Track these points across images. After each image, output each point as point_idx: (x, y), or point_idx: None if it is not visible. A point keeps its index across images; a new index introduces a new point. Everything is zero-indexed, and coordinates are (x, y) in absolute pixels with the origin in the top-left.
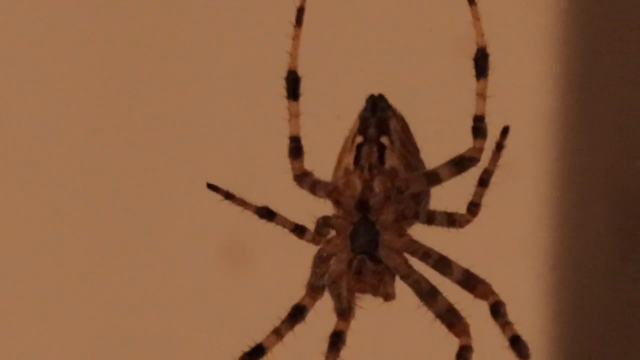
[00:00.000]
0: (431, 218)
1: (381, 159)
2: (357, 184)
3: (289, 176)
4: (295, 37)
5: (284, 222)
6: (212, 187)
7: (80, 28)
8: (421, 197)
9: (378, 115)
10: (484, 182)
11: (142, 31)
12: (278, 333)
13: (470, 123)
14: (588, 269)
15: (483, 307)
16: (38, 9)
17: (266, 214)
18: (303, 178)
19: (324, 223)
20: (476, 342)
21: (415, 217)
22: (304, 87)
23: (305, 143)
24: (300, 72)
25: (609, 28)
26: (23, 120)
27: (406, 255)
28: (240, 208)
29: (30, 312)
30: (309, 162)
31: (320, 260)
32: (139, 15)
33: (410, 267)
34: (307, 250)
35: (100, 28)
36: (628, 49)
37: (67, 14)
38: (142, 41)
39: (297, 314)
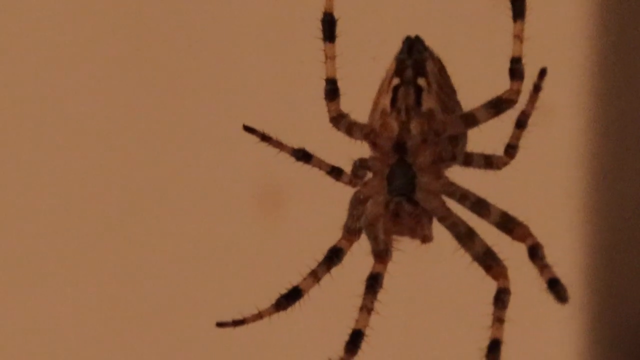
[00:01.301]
0: (468, 160)
1: (418, 101)
2: (394, 126)
3: (326, 118)
4: None
5: (321, 164)
6: (248, 128)
7: (81, 23)
8: (458, 139)
9: (415, 57)
10: (521, 124)
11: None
12: (315, 276)
13: (507, 65)
14: (625, 211)
15: (521, 250)
16: (41, 10)
17: (303, 156)
18: (339, 120)
19: (360, 165)
20: (514, 286)
21: (452, 159)
22: (340, 29)
23: (341, 85)
24: (336, 14)
25: None
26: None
27: (443, 197)
28: (276, 150)
29: (61, 251)
30: (346, 105)
31: (357, 203)
32: None
33: (447, 209)
34: (344, 193)
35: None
36: None
37: (69, 14)
38: None
39: (333, 256)
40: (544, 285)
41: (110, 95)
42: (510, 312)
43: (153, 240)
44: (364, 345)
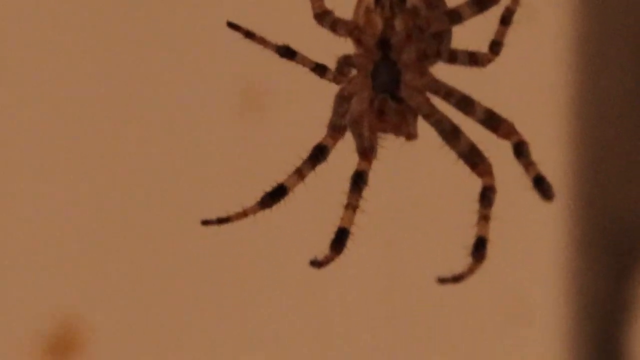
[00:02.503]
0: (453, 57)
1: None
2: (378, 22)
3: (310, 14)
4: None
5: (305, 61)
6: (232, 25)
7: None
8: (443, 35)
9: None
10: (505, 20)
11: None
12: (300, 173)
13: None
14: (610, 105)
15: (507, 146)
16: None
17: (286, 52)
18: (323, 16)
19: (345, 62)
20: (499, 183)
21: (437, 56)
22: None
23: None
24: None
25: None
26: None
27: (428, 94)
28: (260, 47)
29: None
30: (330, 1)
31: (341, 100)
32: None
33: (432, 105)
34: (329, 91)
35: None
36: None
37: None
38: None
39: (318, 154)
40: (530, 183)
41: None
42: (496, 210)
43: (137, 139)
44: (349, 243)
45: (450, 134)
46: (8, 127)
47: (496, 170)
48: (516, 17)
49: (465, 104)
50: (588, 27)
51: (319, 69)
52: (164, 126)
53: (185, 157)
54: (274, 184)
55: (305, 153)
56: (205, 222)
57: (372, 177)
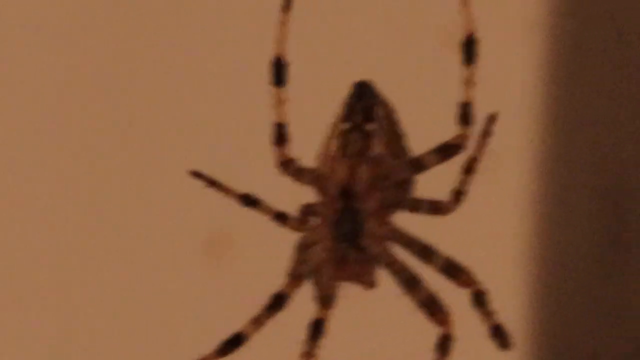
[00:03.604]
0: (415, 206)
1: (366, 146)
2: (342, 171)
3: (273, 163)
4: (283, 23)
5: (267, 210)
6: (195, 174)
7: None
8: (406, 184)
9: (364, 102)
10: (469, 169)
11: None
12: (258, 321)
13: (456, 110)
14: (571, 259)
15: (465, 296)
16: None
17: (249, 201)
18: (287, 165)
19: (307, 210)
20: (458, 331)
21: (399, 205)
22: (290, 74)
23: (290, 130)
24: (287, 59)
25: (602, 16)
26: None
27: (389, 243)
28: (223, 195)
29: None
30: (294, 149)
31: (302, 248)
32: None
33: (392, 255)
34: (289, 238)
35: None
36: (619, 40)
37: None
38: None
39: (277, 302)
40: (488, 332)
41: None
42: (453, 358)
43: (98, 285)
44: None
45: (410, 283)
46: None
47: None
48: (480, 166)
49: (425, 253)
50: (550, 176)
51: (280, 218)
52: (125, 276)
53: (147, 303)
54: (232, 332)
55: (264, 301)
56: None
57: (331, 325)
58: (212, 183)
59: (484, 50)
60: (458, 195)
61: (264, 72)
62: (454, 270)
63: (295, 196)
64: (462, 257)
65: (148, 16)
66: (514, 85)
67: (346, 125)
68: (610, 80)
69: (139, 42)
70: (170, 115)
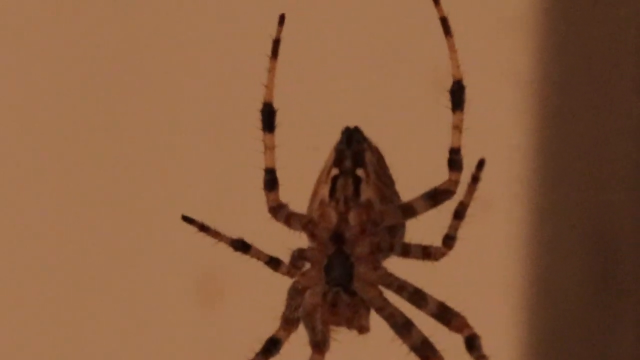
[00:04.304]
0: (406, 251)
1: (356, 192)
2: (332, 216)
3: (264, 208)
4: (271, 69)
5: (259, 255)
6: (187, 219)
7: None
8: (396, 229)
9: (353, 148)
10: (459, 214)
11: (104, 62)
12: None
13: (446, 155)
14: (562, 301)
15: (459, 340)
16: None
17: (241, 246)
18: (278, 210)
19: (299, 255)
20: None
21: (390, 250)
22: (279, 119)
23: (280, 175)
24: (275, 105)
25: (586, 64)
26: None
27: (381, 288)
28: (214, 240)
29: None
30: (284, 194)
31: (295, 293)
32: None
33: (384, 299)
34: (282, 283)
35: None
36: (603, 84)
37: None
38: (104, 75)
39: (271, 347)
40: None
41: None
42: None
43: (89, 331)
44: None
45: (403, 328)
46: None
47: None
48: (470, 211)
49: (417, 297)
50: (542, 220)
51: (273, 263)
52: (117, 317)
53: (139, 348)
54: None
55: (258, 345)
56: None
57: None
58: (204, 228)
59: (475, 95)
60: (449, 240)
61: (254, 118)
62: (446, 315)
63: (287, 241)
64: (454, 301)
65: (132, 55)
66: (505, 130)
67: (336, 171)
68: (599, 122)
69: (123, 86)
70: (162, 158)
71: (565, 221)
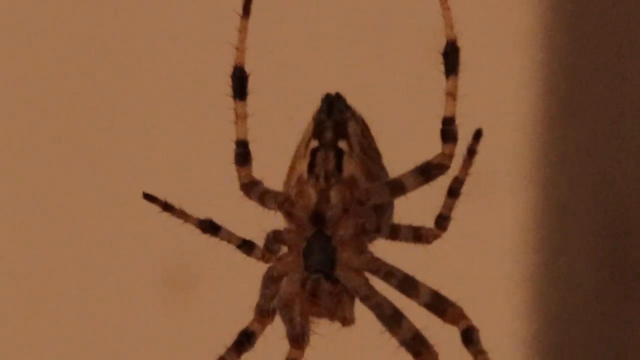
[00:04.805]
0: (395, 233)
1: (339, 166)
2: (312, 194)
3: (236, 185)
4: (242, 29)
5: (230, 237)
6: (149, 196)
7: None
8: (383, 209)
9: (335, 117)
10: (454, 192)
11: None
12: None
13: (438, 126)
14: (571, 293)
15: (454, 332)
16: None
17: (209, 227)
18: (251, 187)
19: (274, 238)
20: None
21: (377, 232)
22: (252, 85)
23: (253, 148)
24: (248, 69)
25: (596, 20)
26: None
27: (367, 274)
28: (180, 221)
29: None
30: (258, 170)
31: (270, 280)
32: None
33: (371, 288)
34: (256, 269)
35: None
36: (617, 46)
37: None
38: (70, 48)
39: (244, 340)
40: None
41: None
42: None
43: (53, 325)
44: None
45: (391, 319)
46: None
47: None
48: (466, 188)
49: (408, 285)
50: (547, 195)
51: (245, 246)
52: (81, 313)
53: (106, 345)
54: None
55: (230, 339)
56: None
57: None
58: (168, 207)
59: (470, 58)
60: (442, 221)
61: (224, 84)
62: (440, 305)
63: (261, 222)
64: (449, 290)
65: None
66: (507, 99)
67: (316, 143)
68: (612, 112)
69: (90, 62)
70: (120, 129)
71: (573, 197)
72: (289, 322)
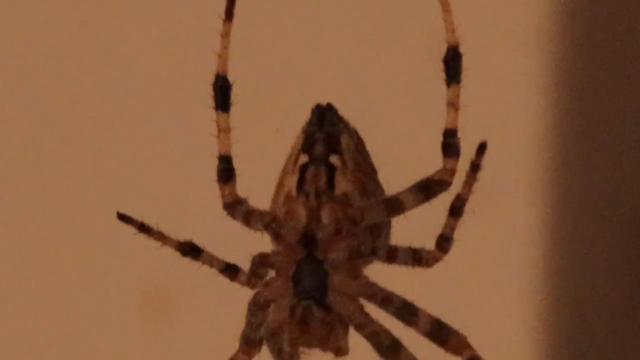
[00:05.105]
0: (392, 255)
1: (330, 183)
2: (301, 213)
3: (219, 204)
4: (225, 34)
5: (212, 261)
6: (123, 217)
7: None
8: (380, 229)
9: (326, 130)
10: (456, 211)
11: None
12: None
13: (439, 139)
14: (586, 318)
15: None
16: None
17: (190, 250)
18: (235, 206)
19: (261, 262)
20: None
21: (373, 254)
22: (236, 96)
23: (237, 163)
24: (231, 77)
25: (607, 21)
26: None
27: (362, 300)
28: (159, 243)
29: None
30: (243, 187)
31: (256, 307)
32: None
33: (366, 315)
34: (242, 295)
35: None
36: (629, 46)
37: None
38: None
39: None
40: None
41: None
42: None
43: (28, 348)
44: None
45: (389, 350)
46: None
47: None
48: (469, 207)
49: (407, 312)
50: (557, 214)
51: (230, 270)
52: (56, 336)
53: None
54: None
55: None
56: None
57: None
58: (144, 228)
59: (474, 65)
60: (444, 242)
61: (205, 95)
62: (442, 333)
63: (246, 245)
64: (452, 317)
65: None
66: (513, 110)
67: (305, 158)
68: (625, 124)
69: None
70: (95, 145)
71: (587, 218)
72: (277, 352)
